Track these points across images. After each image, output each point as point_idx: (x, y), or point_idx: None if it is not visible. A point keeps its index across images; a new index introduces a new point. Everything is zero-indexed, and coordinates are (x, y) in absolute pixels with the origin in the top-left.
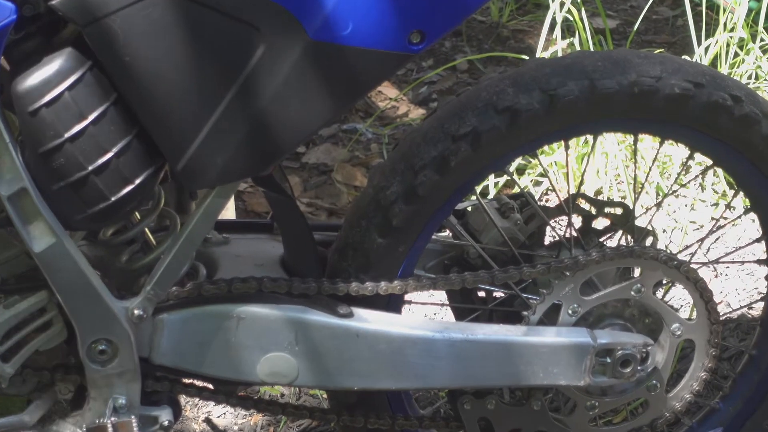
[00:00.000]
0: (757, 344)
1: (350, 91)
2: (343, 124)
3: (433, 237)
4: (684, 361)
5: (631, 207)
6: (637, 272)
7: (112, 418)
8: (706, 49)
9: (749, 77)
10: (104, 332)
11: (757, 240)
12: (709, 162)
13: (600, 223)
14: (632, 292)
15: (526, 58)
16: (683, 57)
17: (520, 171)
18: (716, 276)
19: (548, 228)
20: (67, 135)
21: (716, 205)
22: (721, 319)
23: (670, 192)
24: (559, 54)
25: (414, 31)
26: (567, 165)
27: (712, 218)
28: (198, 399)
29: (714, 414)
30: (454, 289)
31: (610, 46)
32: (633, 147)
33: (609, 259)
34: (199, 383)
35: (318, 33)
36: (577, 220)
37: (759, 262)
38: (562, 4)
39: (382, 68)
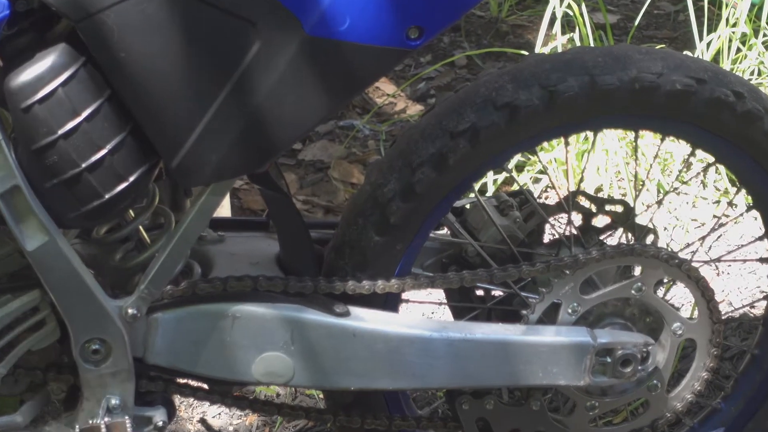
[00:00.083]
0: (759, 343)
1: (347, 87)
2: (340, 121)
3: (431, 235)
4: (685, 361)
5: (632, 204)
6: (637, 271)
7: (106, 419)
8: (708, 44)
9: (752, 73)
10: (98, 332)
11: (760, 238)
12: (711, 159)
13: (600, 221)
14: (633, 291)
15: (526, 53)
16: (685, 52)
17: (520, 168)
18: (718, 274)
19: (548, 226)
20: (60, 132)
21: (718, 202)
22: (723, 318)
23: (671, 189)
24: (559, 49)
25: (412, 26)
26: (567, 162)
27: (714, 216)
28: (193, 399)
29: (716, 414)
30: (452, 287)
31: (611, 41)
32: (634, 144)
33: (609, 258)
34: (193, 383)
35: (315, 28)
36: (577, 218)
37: (761, 260)
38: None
39: (379, 64)
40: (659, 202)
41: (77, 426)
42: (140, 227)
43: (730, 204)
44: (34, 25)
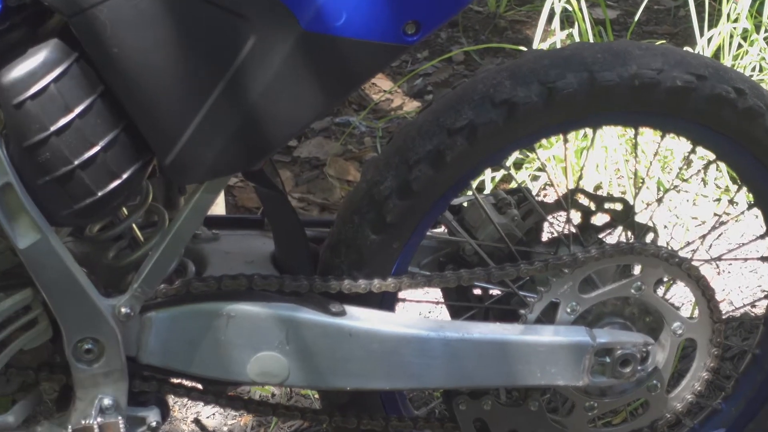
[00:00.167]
0: (760, 343)
1: (343, 84)
2: (335, 117)
3: (428, 233)
4: (685, 361)
5: (632, 202)
6: (637, 269)
7: (99, 419)
8: (709, 40)
9: (753, 69)
10: (90, 331)
11: (761, 236)
12: (712, 156)
13: (599, 219)
14: (632, 290)
15: (524, 49)
16: (685, 48)
17: (518, 165)
18: (719, 273)
19: (546, 224)
20: (52, 128)
21: (719, 200)
22: (724, 317)
23: (672, 187)
24: (558, 45)
25: (409, 21)
26: (566, 159)
27: (715, 214)
28: (187, 399)
29: (716, 415)
30: (449, 286)
31: (611, 37)
32: (633, 141)
33: (608, 256)
34: (187, 383)
35: (310, 24)
36: (576, 216)
37: (762, 258)
38: None
39: (376, 60)
40: (659, 200)
41: (70, 426)
42: (133, 225)
43: (731, 202)
44: (26, 21)
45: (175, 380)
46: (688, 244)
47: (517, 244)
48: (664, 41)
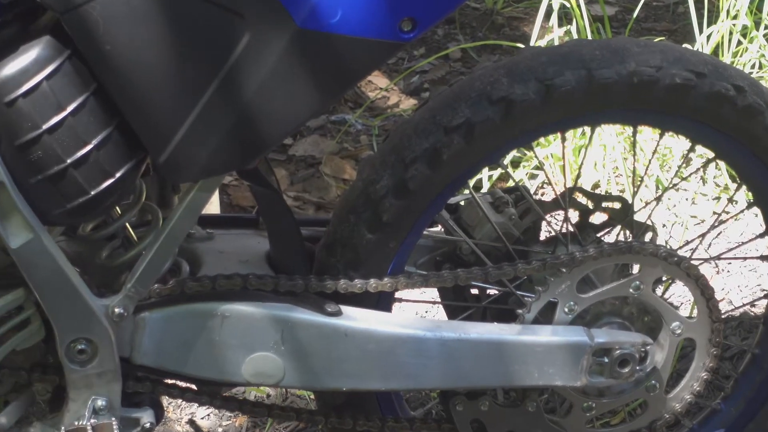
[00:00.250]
0: (760, 343)
1: (339, 81)
2: (331, 115)
3: (425, 232)
4: (684, 361)
5: (630, 201)
6: (635, 269)
7: (92, 420)
8: (708, 37)
9: (752, 66)
10: (83, 331)
11: (760, 235)
12: (711, 154)
13: (598, 218)
14: (631, 290)
15: (522, 46)
16: (684, 45)
17: (515, 164)
18: (718, 272)
19: (544, 223)
20: (45, 126)
21: (718, 199)
22: (723, 317)
23: (671, 186)
24: (556, 42)
25: (405, 18)
26: (564, 158)
27: (714, 213)
28: (181, 400)
29: (715, 415)
30: (446, 286)
31: (609, 34)
32: (632, 139)
33: (607, 256)
34: (182, 384)
35: (306, 21)
36: (574, 215)
37: (762, 258)
38: None
39: (372, 57)
40: (658, 199)
41: (63, 428)
42: (127, 224)
43: (731, 201)
44: (18, 17)
45: (170, 381)
46: (687, 243)
47: (514, 243)
48: (662, 38)
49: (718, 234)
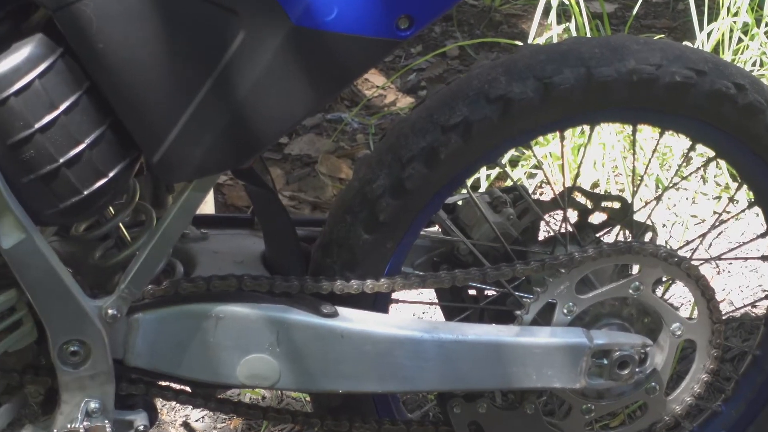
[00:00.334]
0: (761, 344)
1: (335, 80)
2: (327, 114)
3: (422, 233)
4: (684, 363)
5: (630, 201)
6: (635, 269)
7: (85, 423)
8: (709, 34)
9: (753, 64)
10: (76, 333)
11: (761, 235)
12: (712, 153)
13: (597, 218)
14: (630, 291)
15: (520, 44)
16: (684, 43)
17: (513, 163)
18: (718, 273)
19: (542, 223)
20: (37, 125)
21: (719, 198)
22: (724, 318)
23: (671, 185)
24: (555, 40)
25: (402, 16)
26: (562, 157)
27: (715, 212)
28: (175, 402)
29: (716, 417)
30: (443, 287)
31: (608, 31)
32: (632, 138)
33: (606, 256)
34: (176, 386)
35: (301, 18)
36: (573, 215)
37: (763, 258)
38: None
39: (368, 55)
40: (658, 198)
41: (55, 430)
42: (120, 224)
43: (731, 200)
44: (10, 15)
45: (164, 383)
46: (688, 243)
47: (512, 243)
48: (662, 36)
49: (719, 234)
